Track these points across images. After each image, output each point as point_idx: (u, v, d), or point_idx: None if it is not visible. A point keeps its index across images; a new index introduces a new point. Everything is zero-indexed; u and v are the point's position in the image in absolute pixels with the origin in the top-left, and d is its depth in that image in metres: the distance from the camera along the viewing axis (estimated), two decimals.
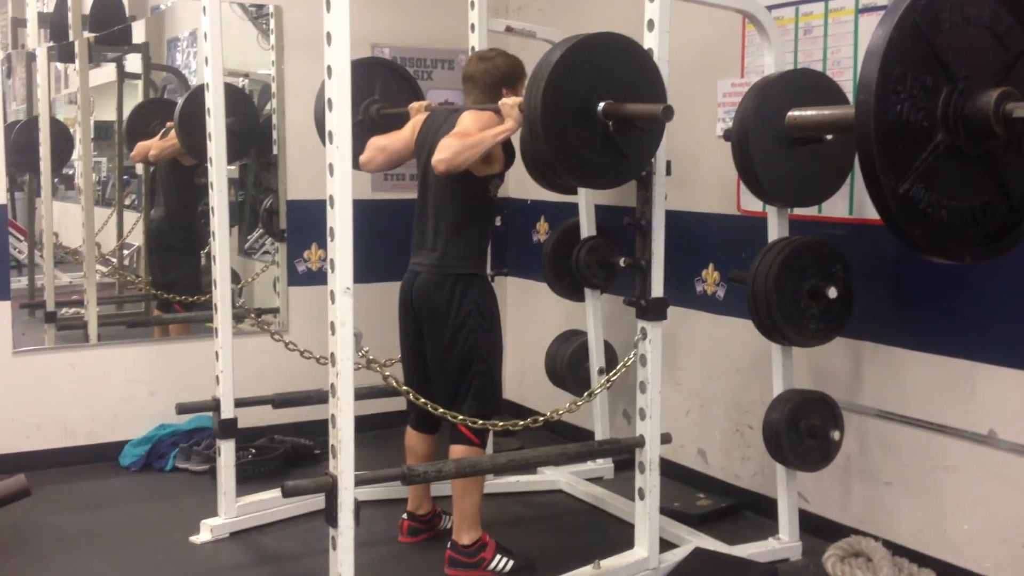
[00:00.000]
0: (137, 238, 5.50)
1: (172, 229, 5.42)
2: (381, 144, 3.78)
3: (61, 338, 5.00)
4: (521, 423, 3.52)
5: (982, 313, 3.41)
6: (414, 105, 3.89)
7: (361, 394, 3.10)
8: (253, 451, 4.77)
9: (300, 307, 5.19)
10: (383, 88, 4.21)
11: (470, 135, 3.40)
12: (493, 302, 3.68)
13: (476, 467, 3.40)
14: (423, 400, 3.44)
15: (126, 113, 5.43)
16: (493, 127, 3.42)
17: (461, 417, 3.46)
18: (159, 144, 5.20)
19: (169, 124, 5.17)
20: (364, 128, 4.03)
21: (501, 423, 3.50)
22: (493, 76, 3.62)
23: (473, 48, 4.33)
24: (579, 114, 3.05)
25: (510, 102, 3.38)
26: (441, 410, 3.45)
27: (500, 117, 3.42)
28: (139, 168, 5.48)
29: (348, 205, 2.78)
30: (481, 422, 3.48)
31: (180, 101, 4.91)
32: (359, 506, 2.90)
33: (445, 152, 3.35)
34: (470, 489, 3.60)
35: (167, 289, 5.27)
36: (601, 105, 3.05)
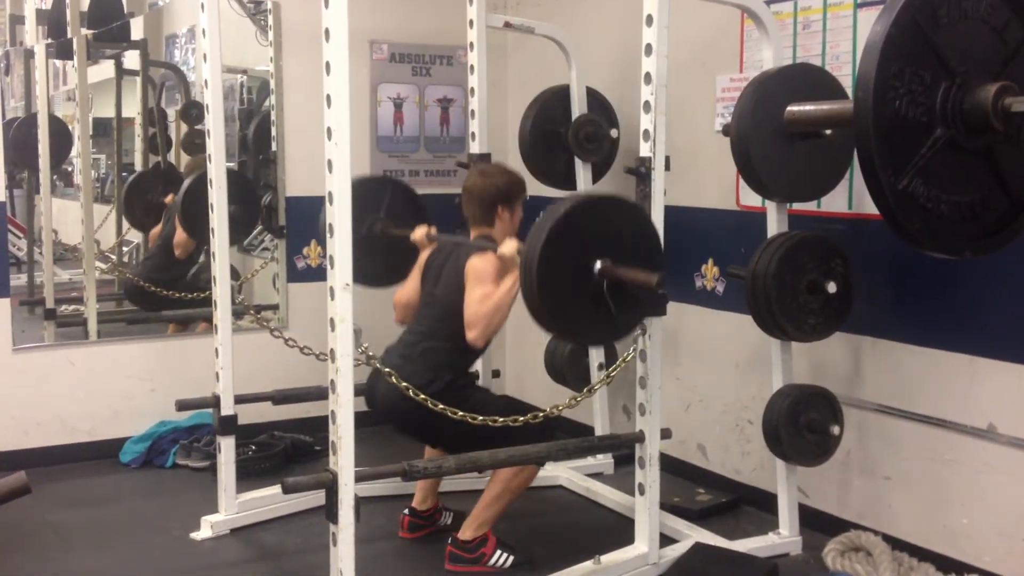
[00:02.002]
0: (136, 235, 5.50)
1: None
2: (404, 302, 3.89)
3: (61, 335, 5.00)
4: (521, 419, 3.52)
5: (981, 307, 3.41)
6: (417, 237, 3.94)
7: (361, 390, 3.11)
8: (253, 447, 4.77)
9: (300, 303, 5.19)
10: (389, 206, 4.26)
11: (489, 296, 3.49)
12: (468, 390, 3.71)
13: (477, 463, 3.40)
14: (431, 401, 3.45)
15: (124, 111, 5.43)
16: (502, 273, 3.52)
17: (481, 419, 3.46)
18: (180, 242, 5.21)
19: (168, 201, 5.25)
20: (368, 245, 4.10)
21: (501, 419, 3.50)
22: (492, 194, 3.71)
23: (472, 44, 4.33)
24: (575, 271, 3.07)
25: (509, 253, 3.46)
26: (461, 414, 3.45)
27: (498, 256, 3.52)
28: (138, 165, 5.48)
29: (347, 201, 2.78)
30: (501, 420, 3.48)
31: (183, 187, 4.94)
32: (359, 502, 2.90)
33: (477, 328, 3.48)
34: (506, 498, 3.64)
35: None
36: (598, 264, 3.07)
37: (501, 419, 3.47)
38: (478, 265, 3.57)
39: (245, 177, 5.30)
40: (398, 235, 4.09)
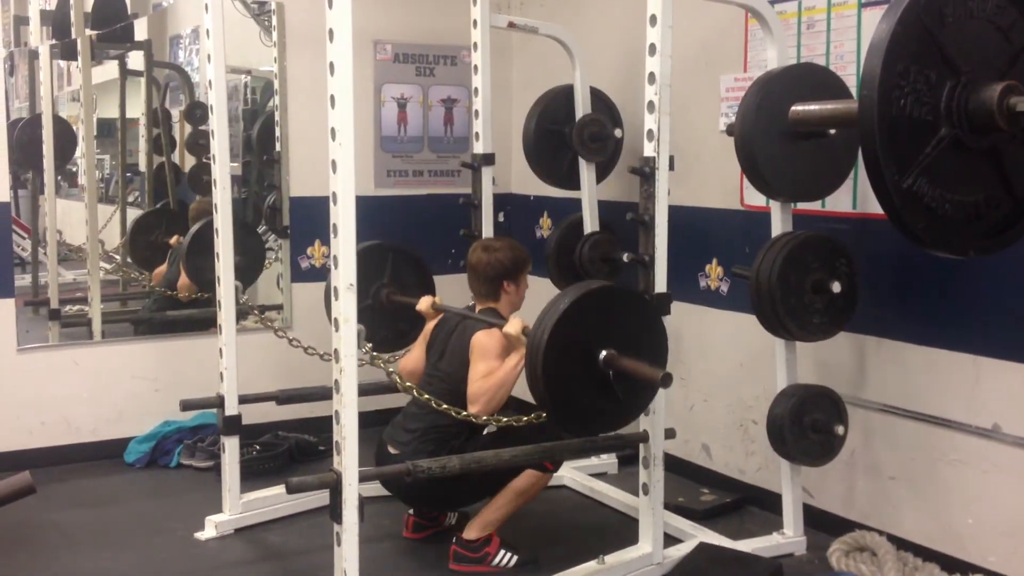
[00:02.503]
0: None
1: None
2: (410, 369, 3.91)
3: (65, 335, 5.00)
4: (524, 418, 3.52)
5: (986, 307, 3.41)
6: (423, 308, 3.96)
7: (365, 390, 3.11)
8: (257, 447, 4.78)
9: (303, 303, 5.19)
10: (393, 272, 4.30)
11: (493, 372, 3.51)
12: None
13: (481, 463, 3.40)
14: (435, 401, 3.46)
15: (128, 112, 5.44)
16: (505, 352, 3.53)
17: (485, 418, 3.48)
18: (184, 286, 5.20)
19: (173, 243, 5.25)
20: (374, 311, 4.15)
21: (506, 419, 3.50)
22: (496, 270, 3.74)
23: (476, 44, 4.33)
24: (580, 359, 3.07)
25: (514, 332, 3.46)
26: (464, 413, 3.46)
27: (504, 335, 3.52)
28: (142, 165, 5.48)
29: (351, 201, 2.78)
30: (506, 420, 3.50)
31: (185, 242, 4.95)
32: (363, 502, 2.90)
33: (479, 403, 3.50)
34: (517, 502, 3.65)
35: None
36: (603, 354, 3.08)
37: (505, 419, 3.48)
38: (484, 341, 3.59)
39: (252, 228, 5.32)
40: (404, 302, 4.12)
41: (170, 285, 5.30)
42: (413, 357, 3.93)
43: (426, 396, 3.48)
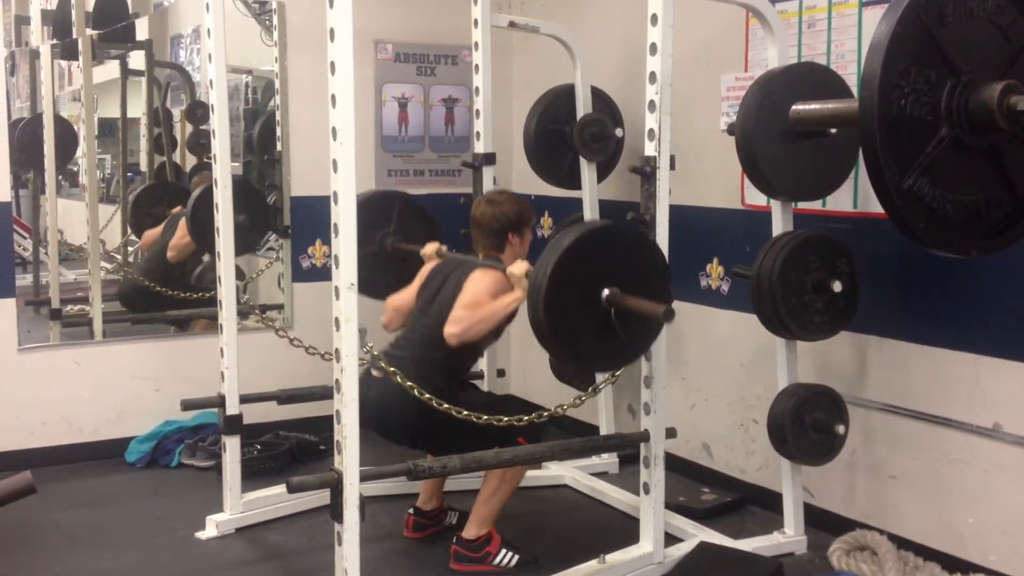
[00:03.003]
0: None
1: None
2: (396, 305, 3.86)
3: (66, 335, 5.01)
4: (526, 418, 3.52)
5: (987, 306, 3.41)
6: (427, 251, 3.95)
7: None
8: (258, 447, 4.78)
9: (304, 303, 5.20)
10: (399, 221, 4.28)
11: (481, 305, 3.45)
12: (454, 392, 3.63)
13: (481, 462, 3.40)
14: (436, 401, 3.44)
15: (129, 111, 5.44)
16: (502, 292, 3.48)
17: (485, 417, 3.45)
18: (177, 244, 5.22)
19: (174, 212, 5.23)
20: (377, 259, 4.13)
21: (506, 419, 3.50)
22: (500, 222, 3.70)
23: (476, 44, 4.33)
24: (583, 297, 3.07)
25: (518, 272, 3.42)
26: (465, 412, 3.44)
27: (507, 278, 3.48)
28: (143, 165, 5.49)
29: (352, 201, 2.78)
30: (506, 420, 3.47)
31: (192, 197, 4.89)
32: (364, 502, 2.91)
33: (457, 327, 3.43)
34: (502, 491, 3.62)
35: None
36: (606, 292, 3.08)
37: (506, 419, 3.47)
38: (479, 278, 3.57)
39: (254, 186, 5.31)
40: (408, 250, 4.10)
41: (162, 250, 5.30)
42: (404, 294, 3.86)
43: (427, 396, 3.44)
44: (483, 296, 3.50)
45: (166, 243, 5.30)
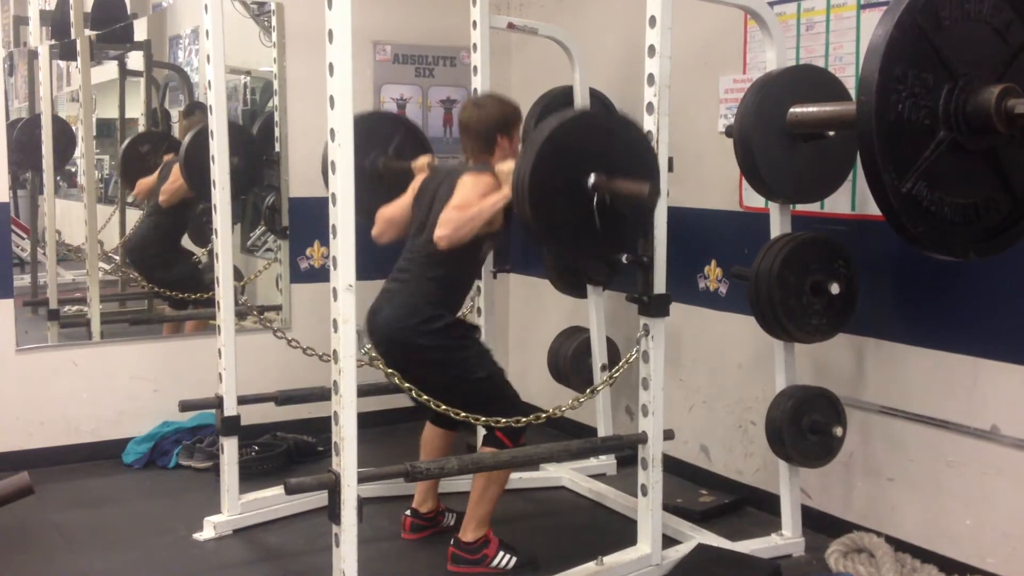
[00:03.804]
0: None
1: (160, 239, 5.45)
2: (388, 216, 3.80)
3: (64, 336, 5.01)
4: (524, 419, 3.52)
5: (985, 309, 3.41)
6: (418, 164, 3.92)
7: (364, 391, 3.11)
8: (256, 448, 4.77)
9: (302, 304, 5.20)
10: (397, 141, 4.29)
11: (470, 205, 3.41)
12: (463, 329, 3.68)
13: (479, 464, 3.41)
14: (433, 403, 3.44)
15: (128, 112, 5.44)
16: (492, 193, 3.45)
17: (484, 419, 3.46)
18: (168, 188, 5.22)
19: (167, 159, 5.21)
20: (371, 179, 4.12)
21: (504, 420, 3.50)
22: (488, 124, 3.63)
23: (475, 45, 4.33)
24: (568, 186, 3.06)
25: (506, 168, 3.39)
26: (463, 414, 3.44)
27: (496, 178, 3.45)
28: None
29: (350, 202, 2.78)
30: (504, 420, 3.47)
31: (185, 140, 4.89)
32: (362, 503, 2.91)
33: (446, 228, 3.38)
34: (492, 490, 3.62)
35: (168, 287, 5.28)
36: (592, 178, 3.07)
37: (504, 420, 3.47)
38: (467, 180, 3.51)
39: (245, 130, 5.28)
40: (401, 168, 4.07)
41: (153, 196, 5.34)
42: (396, 204, 3.80)
43: (425, 397, 3.45)
44: (472, 197, 3.44)
45: (157, 190, 5.30)
